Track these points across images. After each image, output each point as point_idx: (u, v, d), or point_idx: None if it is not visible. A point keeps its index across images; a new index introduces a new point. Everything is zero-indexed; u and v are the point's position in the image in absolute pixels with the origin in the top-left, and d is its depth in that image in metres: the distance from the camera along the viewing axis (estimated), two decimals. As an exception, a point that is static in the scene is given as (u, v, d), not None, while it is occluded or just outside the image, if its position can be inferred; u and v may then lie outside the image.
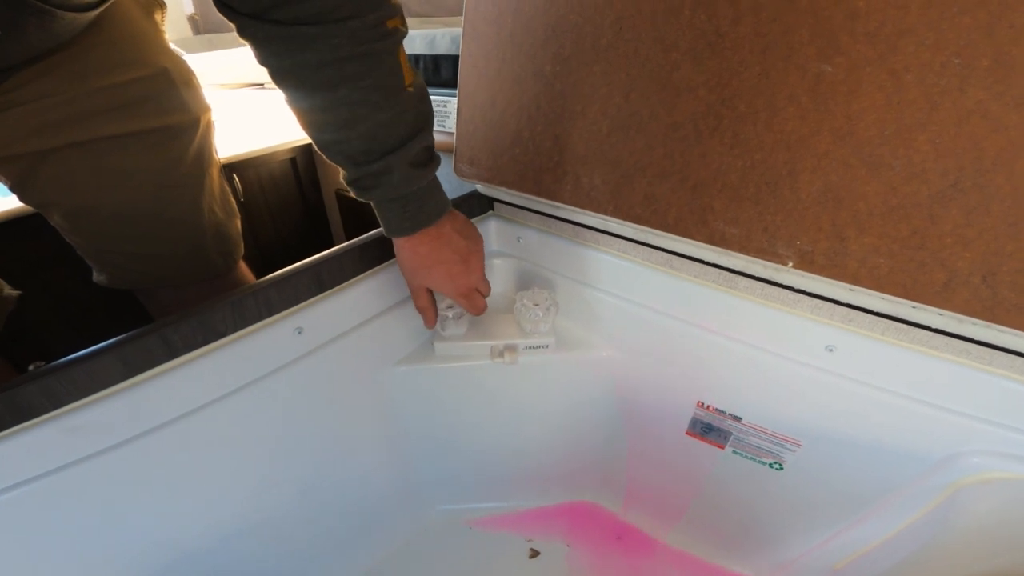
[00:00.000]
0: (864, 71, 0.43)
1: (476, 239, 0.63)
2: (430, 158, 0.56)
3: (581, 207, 0.64)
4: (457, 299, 0.64)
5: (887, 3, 0.42)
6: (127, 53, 0.62)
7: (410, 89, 0.51)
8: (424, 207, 0.56)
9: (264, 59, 0.49)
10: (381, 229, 0.59)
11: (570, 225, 0.69)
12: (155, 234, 0.70)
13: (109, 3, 0.59)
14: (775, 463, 0.66)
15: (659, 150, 0.56)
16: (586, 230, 0.67)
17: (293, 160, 1.16)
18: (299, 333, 0.59)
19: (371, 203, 0.57)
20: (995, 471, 0.51)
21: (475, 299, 0.65)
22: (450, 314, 0.68)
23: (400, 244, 0.59)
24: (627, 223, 0.61)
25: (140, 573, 0.58)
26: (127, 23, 0.62)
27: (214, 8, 0.46)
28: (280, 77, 0.49)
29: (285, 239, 1.20)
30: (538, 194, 0.68)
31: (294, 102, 0.51)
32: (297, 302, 0.58)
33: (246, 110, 1.28)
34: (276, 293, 0.55)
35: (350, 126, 0.50)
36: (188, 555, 0.61)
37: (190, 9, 2.03)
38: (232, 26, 0.48)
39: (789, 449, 0.64)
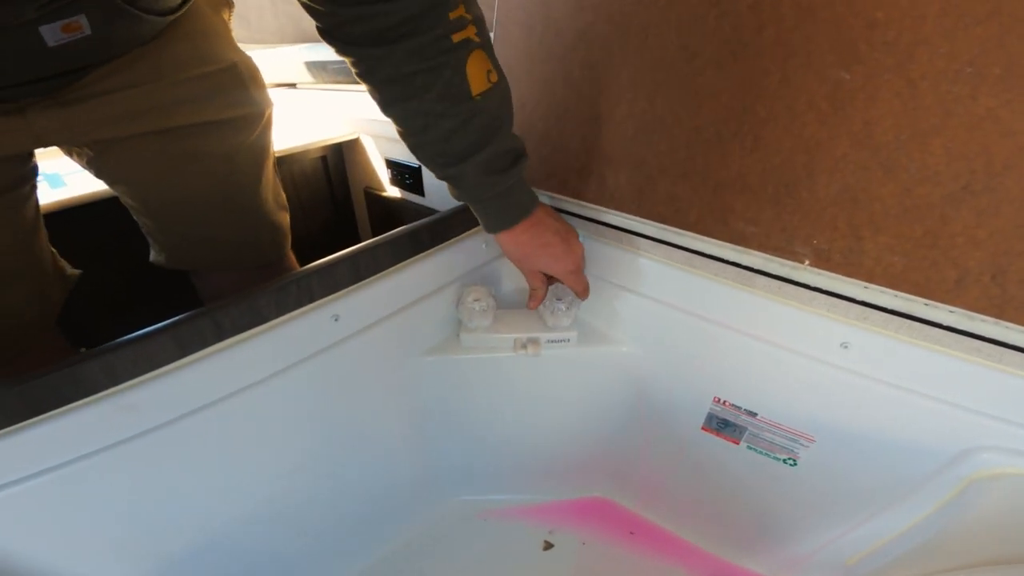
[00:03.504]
0: (882, 79, 0.46)
1: (567, 223, 0.67)
2: (512, 162, 0.58)
3: (606, 206, 0.67)
4: (566, 277, 0.67)
5: (904, 14, 0.44)
6: (201, 49, 0.66)
7: (477, 99, 0.53)
8: (505, 208, 0.60)
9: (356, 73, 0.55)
10: (410, 225, 0.62)
11: (594, 224, 0.71)
12: (217, 218, 0.73)
13: (189, 5, 0.62)
14: (789, 459, 0.68)
15: (682, 152, 0.59)
16: (609, 228, 0.69)
17: (324, 159, 1.20)
18: (336, 320, 0.61)
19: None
20: (1006, 467, 0.52)
21: (582, 277, 0.69)
22: (476, 307, 0.71)
23: (500, 237, 0.63)
24: (650, 222, 0.64)
25: (171, 554, 0.60)
26: (200, 20, 0.66)
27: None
28: (370, 90, 0.55)
29: (314, 234, 1.24)
30: (564, 193, 0.70)
31: (385, 112, 0.57)
32: (335, 290, 0.60)
33: (279, 109, 1.32)
34: (317, 281, 0.58)
35: (424, 133, 0.55)
36: (216, 537, 0.63)
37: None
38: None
39: (803, 445, 0.65)
